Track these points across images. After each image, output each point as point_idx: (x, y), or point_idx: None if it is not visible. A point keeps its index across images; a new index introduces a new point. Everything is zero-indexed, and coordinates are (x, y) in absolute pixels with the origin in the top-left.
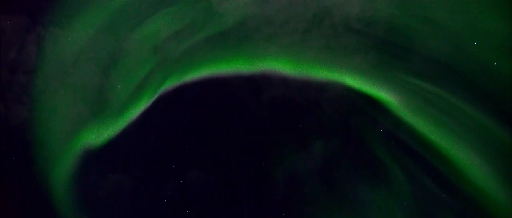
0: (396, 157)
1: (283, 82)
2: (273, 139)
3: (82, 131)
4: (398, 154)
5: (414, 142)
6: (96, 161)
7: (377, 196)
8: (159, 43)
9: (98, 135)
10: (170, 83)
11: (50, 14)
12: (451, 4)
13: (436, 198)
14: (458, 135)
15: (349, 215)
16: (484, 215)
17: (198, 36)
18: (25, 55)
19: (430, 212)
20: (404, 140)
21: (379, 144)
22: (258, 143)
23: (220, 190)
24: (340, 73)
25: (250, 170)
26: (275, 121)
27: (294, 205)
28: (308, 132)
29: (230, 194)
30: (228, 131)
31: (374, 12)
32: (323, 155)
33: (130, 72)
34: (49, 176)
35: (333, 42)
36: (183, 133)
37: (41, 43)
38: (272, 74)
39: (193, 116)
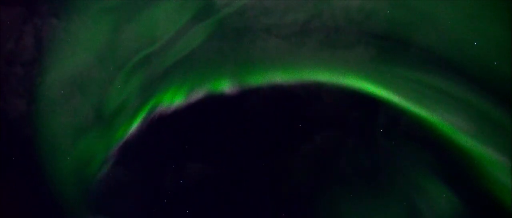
0: (396, 157)
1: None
2: (272, 137)
3: (83, 129)
4: (398, 153)
5: (414, 139)
6: (97, 159)
7: (377, 195)
8: (158, 41)
9: (100, 134)
10: (171, 83)
11: (48, 4)
12: (451, 4)
13: (436, 198)
14: (460, 131)
15: (349, 215)
16: (485, 215)
17: (199, 34)
18: (22, 47)
19: (430, 212)
20: (404, 136)
21: (379, 143)
22: (257, 143)
23: (220, 190)
24: (340, 69)
25: (250, 169)
26: (275, 119)
27: (294, 204)
28: (308, 130)
29: (230, 194)
30: (229, 129)
31: (374, 5)
32: (322, 153)
33: (130, 72)
34: (49, 172)
35: (333, 35)
36: (183, 132)
37: (39, 34)
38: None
39: (192, 114)
